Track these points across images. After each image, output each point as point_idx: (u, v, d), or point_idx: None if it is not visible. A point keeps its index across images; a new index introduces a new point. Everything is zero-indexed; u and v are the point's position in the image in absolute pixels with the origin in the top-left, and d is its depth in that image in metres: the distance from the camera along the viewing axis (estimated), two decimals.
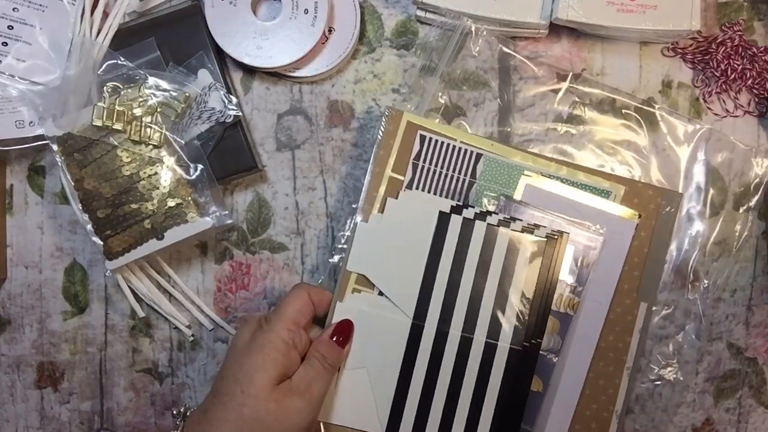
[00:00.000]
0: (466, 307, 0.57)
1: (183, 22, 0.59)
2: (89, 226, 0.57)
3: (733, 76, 0.60)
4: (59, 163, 0.57)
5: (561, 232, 0.57)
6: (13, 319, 0.64)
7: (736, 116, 0.61)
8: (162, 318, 0.63)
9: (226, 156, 0.59)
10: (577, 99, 0.61)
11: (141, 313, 0.61)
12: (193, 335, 0.63)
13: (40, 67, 0.58)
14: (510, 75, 0.62)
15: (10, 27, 0.58)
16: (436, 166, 0.59)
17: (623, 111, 0.61)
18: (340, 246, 0.61)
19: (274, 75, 0.62)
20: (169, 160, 0.57)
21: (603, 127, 0.61)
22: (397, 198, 0.58)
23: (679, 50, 0.61)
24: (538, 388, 0.58)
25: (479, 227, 0.57)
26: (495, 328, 0.57)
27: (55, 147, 0.57)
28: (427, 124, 0.59)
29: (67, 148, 0.57)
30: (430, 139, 0.59)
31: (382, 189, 0.58)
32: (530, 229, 0.57)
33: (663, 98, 0.62)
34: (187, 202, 0.58)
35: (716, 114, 0.61)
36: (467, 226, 0.57)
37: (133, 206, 0.57)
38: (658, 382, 0.61)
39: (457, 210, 0.57)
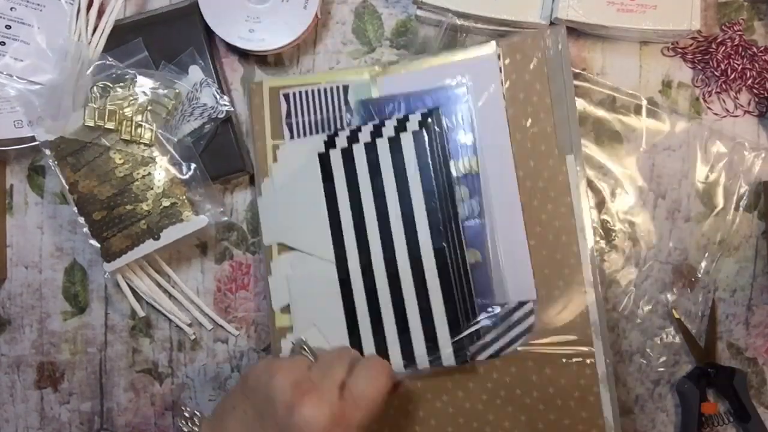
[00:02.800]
0: (377, 232, 0.56)
1: (180, 20, 0.57)
2: (86, 229, 0.56)
3: (733, 76, 0.58)
4: (53, 167, 0.56)
5: (432, 109, 0.55)
6: (13, 319, 0.62)
7: (736, 116, 0.59)
8: (162, 318, 0.61)
9: (217, 156, 0.58)
10: (576, 98, 0.59)
11: (141, 313, 0.60)
12: (193, 335, 0.61)
13: (37, 67, 0.56)
14: None
15: (8, 26, 0.56)
16: (309, 115, 0.58)
17: (622, 110, 0.59)
18: None
19: (267, 63, 0.60)
20: (162, 160, 0.56)
21: (602, 126, 0.59)
22: (276, 160, 0.58)
23: (679, 50, 0.60)
24: (476, 259, 0.55)
25: (358, 150, 0.56)
26: (412, 238, 0.55)
27: (47, 152, 0.56)
28: (287, 81, 0.58)
29: (60, 152, 0.56)
30: (294, 93, 0.58)
31: (270, 159, 0.58)
32: (402, 123, 0.55)
33: (663, 98, 0.60)
34: (182, 201, 0.56)
35: (716, 114, 0.60)
36: (347, 155, 0.56)
37: (129, 207, 0.56)
38: (658, 382, 0.59)
39: (330, 142, 0.57)
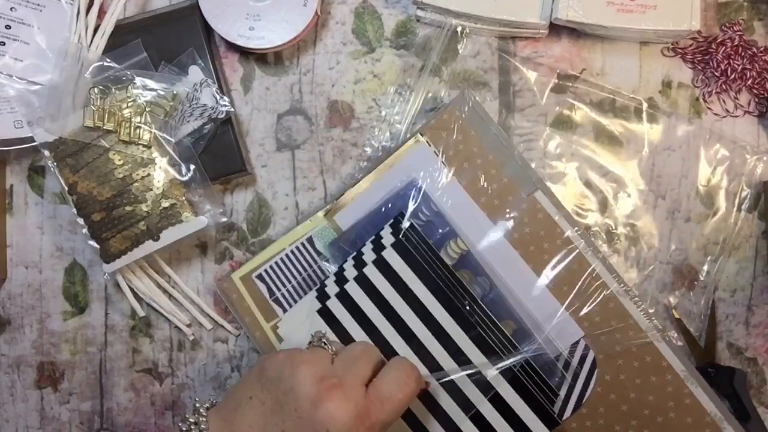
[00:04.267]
0: (409, 349, 0.55)
1: (179, 20, 0.57)
2: (85, 230, 0.56)
3: (733, 76, 0.58)
4: (52, 168, 0.55)
5: (396, 216, 0.55)
6: (13, 319, 0.61)
7: (736, 116, 0.59)
8: (162, 318, 0.61)
9: (216, 157, 0.57)
10: (576, 99, 0.59)
11: (141, 312, 0.59)
12: (193, 335, 0.61)
13: (37, 67, 0.56)
14: (510, 75, 0.59)
15: (8, 27, 0.56)
16: (290, 281, 0.57)
17: (623, 112, 0.59)
18: None
19: (267, 63, 0.60)
20: (161, 161, 0.55)
21: (602, 127, 0.59)
22: (281, 339, 0.57)
23: (679, 50, 0.59)
24: (512, 327, 0.55)
25: (352, 288, 0.56)
26: (444, 339, 0.55)
27: (46, 153, 0.55)
28: (255, 263, 0.57)
29: (59, 153, 0.55)
30: (267, 270, 0.57)
31: (275, 341, 0.57)
32: (378, 243, 0.55)
33: (663, 98, 0.59)
34: (181, 202, 0.56)
35: (716, 114, 0.59)
36: (344, 298, 0.56)
37: (128, 209, 0.55)
38: None
39: (322, 296, 0.56)
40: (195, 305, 0.60)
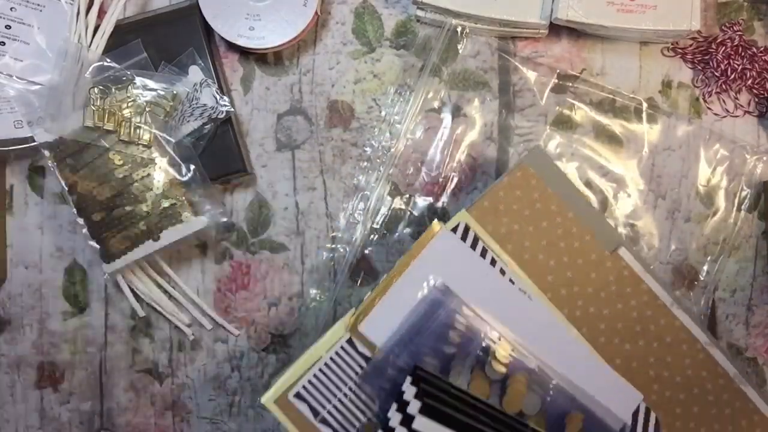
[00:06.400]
0: None
1: (180, 20, 0.57)
2: (85, 230, 0.56)
3: (733, 76, 0.58)
4: (52, 169, 0.55)
5: (413, 377, 0.46)
6: (13, 319, 0.61)
7: (736, 116, 0.59)
8: (162, 318, 0.61)
9: (216, 157, 0.57)
10: (576, 99, 0.59)
11: (141, 313, 0.59)
12: (193, 335, 0.61)
13: (37, 67, 0.56)
14: (510, 75, 0.59)
15: (8, 26, 0.56)
16: (336, 394, 0.47)
17: (623, 112, 0.59)
18: (330, 246, 0.60)
19: (267, 63, 0.60)
20: (161, 161, 0.56)
21: (602, 127, 0.59)
22: None
23: (679, 50, 0.59)
24: (580, 418, 0.48)
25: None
26: None
27: (46, 153, 0.55)
28: (289, 380, 0.47)
29: (59, 153, 0.55)
30: (306, 386, 0.47)
31: None
32: (404, 412, 0.44)
33: (663, 98, 0.59)
34: (181, 202, 0.56)
35: (716, 114, 0.59)
36: None
37: (128, 209, 0.55)
38: None
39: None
40: (195, 305, 0.60)
